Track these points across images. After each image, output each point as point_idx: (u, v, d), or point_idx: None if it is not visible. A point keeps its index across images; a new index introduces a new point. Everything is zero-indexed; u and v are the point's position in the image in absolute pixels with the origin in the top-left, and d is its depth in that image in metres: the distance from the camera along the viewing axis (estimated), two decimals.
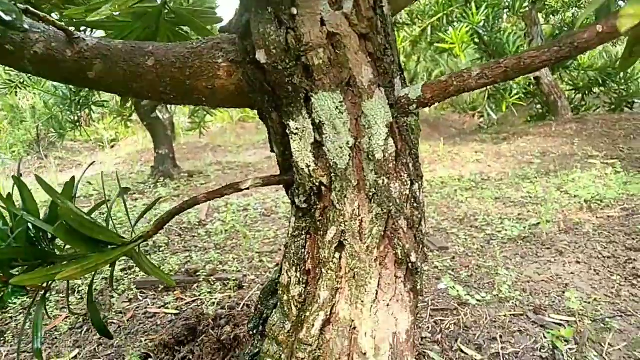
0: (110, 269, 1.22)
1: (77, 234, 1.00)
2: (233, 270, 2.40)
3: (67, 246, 1.17)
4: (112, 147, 9.13)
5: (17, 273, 1.08)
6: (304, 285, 0.99)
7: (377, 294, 0.95)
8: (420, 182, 1.00)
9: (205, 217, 3.45)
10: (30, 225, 1.11)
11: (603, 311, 1.74)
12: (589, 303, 1.81)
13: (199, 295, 2.15)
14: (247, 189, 0.99)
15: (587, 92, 6.37)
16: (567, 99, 6.28)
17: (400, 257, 0.95)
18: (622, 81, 5.93)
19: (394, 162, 0.93)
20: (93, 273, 1.09)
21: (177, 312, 2.02)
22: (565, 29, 6.06)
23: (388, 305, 0.97)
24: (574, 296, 1.77)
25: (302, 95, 0.90)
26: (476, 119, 6.65)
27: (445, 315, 1.81)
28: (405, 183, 0.95)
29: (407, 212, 0.96)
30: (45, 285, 1.09)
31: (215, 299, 2.10)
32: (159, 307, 2.09)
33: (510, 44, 5.57)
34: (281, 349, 1.00)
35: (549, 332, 1.54)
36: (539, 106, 6.56)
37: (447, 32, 4.87)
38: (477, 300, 1.89)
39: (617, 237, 2.37)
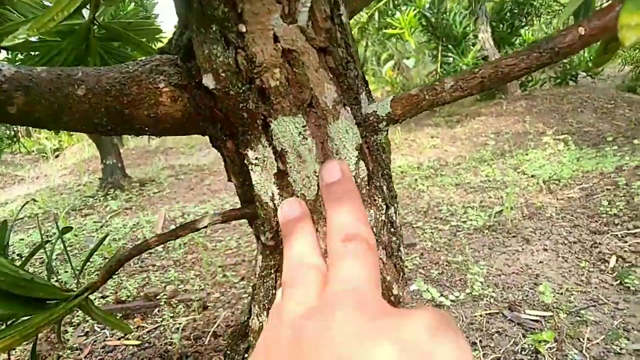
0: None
1: (11, 295, 0.86)
2: (195, 289, 2.28)
3: None
4: (57, 156, 8.69)
5: None
6: None
7: None
8: (395, 205, 0.92)
9: (160, 231, 3.29)
10: None
11: (576, 302, 1.74)
12: (562, 294, 1.80)
13: (161, 321, 2.02)
14: (205, 227, 0.88)
15: None
16: None
17: (382, 292, 0.87)
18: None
19: (367, 187, 0.84)
20: (15, 347, 0.96)
21: (139, 342, 1.89)
22: (510, 6, 6.13)
23: None
24: (547, 290, 1.75)
25: (259, 121, 0.80)
26: None
27: None
28: (380, 208, 0.86)
29: (384, 239, 0.87)
30: None
31: (179, 323, 1.97)
32: (119, 339, 1.95)
33: (457, 24, 5.61)
34: None
35: (529, 336, 1.50)
36: None
37: (394, 17, 4.83)
38: (452, 301, 1.85)
39: (580, 220, 2.39)
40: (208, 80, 0.78)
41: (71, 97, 0.89)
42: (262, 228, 0.86)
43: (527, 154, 3.91)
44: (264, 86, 0.77)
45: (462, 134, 5.03)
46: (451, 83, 0.77)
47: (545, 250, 2.15)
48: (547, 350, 1.44)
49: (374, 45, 10.14)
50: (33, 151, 9.13)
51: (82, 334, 2.03)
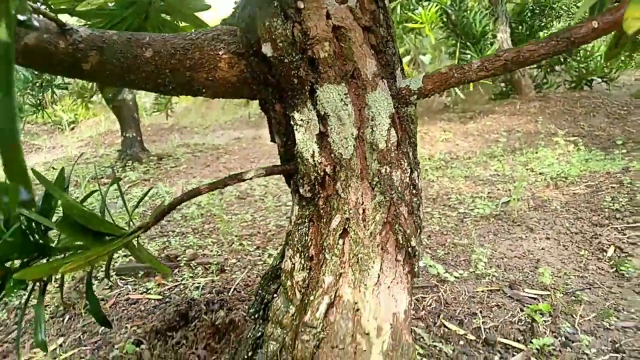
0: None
1: (79, 227, 0.99)
2: (213, 254, 2.42)
3: (61, 238, 1.17)
4: (72, 129, 8.84)
5: (9, 267, 1.07)
6: (307, 271, 1.02)
7: (379, 277, 0.99)
8: (418, 170, 1.04)
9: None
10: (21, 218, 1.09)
11: (573, 284, 1.85)
12: (560, 277, 1.91)
13: (181, 280, 2.16)
14: (250, 179, 1.01)
15: (548, 70, 6.57)
16: (530, 77, 6.46)
17: (401, 242, 0.99)
18: (582, 59, 6.13)
19: (396, 151, 0.96)
20: (82, 269, 1.09)
21: (160, 297, 2.03)
22: (532, 7, 6.19)
23: (389, 287, 1.01)
24: (546, 272, 1.87)
25: (307, 87, 0.92)
26: (443, 97, 6.76)
27: (426, 292, 1.88)
28: (406, 171, 0.99)
29: (407, 199, 1.00)
30: (45, 278, 1.08)
31: (199, 283, 2.11)
32: (141, 293, 2.09)
33: (477, 22, 5.68)
34: (285, 331, 1.03)
35: (527, 307, 1.63)
36: (502, 84, 6.72)
37: (415, 12, 4.91)
38: (455, 277, 1.97)
39: (584, 213, 2.50)
40: (267, 49, 0.90)
41: (139, 58, 1.02)
42: (301, 181, 0.99)
43: (537, 153, 4.01)
44: (314, 56, 0.90)
45: (474, 130, 5.12)
46: (478, 64, 0.89)
47: (548, 238, 2.27)
48: (542, 322, 1.56)
49: None
50: (49, 122, 9.28)
51: (107, 287, 2.17)
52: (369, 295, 0.98)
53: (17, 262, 1.08)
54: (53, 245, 1.17)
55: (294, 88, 0.93)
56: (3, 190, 1.08)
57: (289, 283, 1.03)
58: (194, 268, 2.26)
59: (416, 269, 1.07)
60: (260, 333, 1.10)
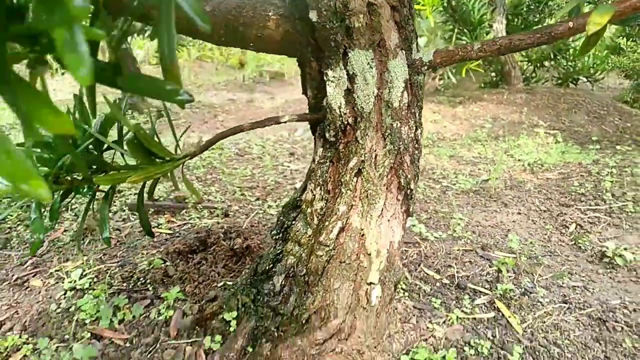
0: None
1: (142, 148, 1.21)
2: (217, 201, 2.64)
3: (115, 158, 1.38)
4: (63, 74, 8.82)
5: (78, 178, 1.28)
6: (325, 201, 1.25)
7: (382, 211, 1.23)
8: (421, 128, 1.28)
9: (181, 152, 3.61)
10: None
11: (536, 251, 2.13)
12: (526, 245, 2.19)
13: (189, 220, 2.38)
14: (285, 122, 1.23)
15: (538, 65, 6.83)
16: (520, 69, 6.71)
17: (402, 184, 1.23)
18: (571, 57, 6.41)
19: (406, 111, 1.20)
20: (145, 181, 1.31)
21: (171, 232, 2.25)
22: (529, 2, 6.40)
23: (389, 220, 1.25)
24: (514, 239, 2.14)
25: (341, 50, 1.14)
26: (436, 81, 6.98)
27: (409, 247, 2.14)
28: (412, 127, 1.23)
29: (410, 150, 1.23)
30: (106, 187, 1.30)
31: (205, 223, 2.33)
32: (153, 227, 2.30)
33: (475, 11, 5.88)
34: (302, 249, 1.27)
35: (495, 262, 1.90)
36: (493, 74, 6.97)
37: None
38: (435, 237, 2.24)
39: (553, 195, 2.78)
40: (313, 15, 1.12)
41: None
42: (327, 128, 1.22)
43: (518, 141, 4.28)
44: (350, 25, 1.12)
45: (462, 114, 5.38)
46: (478, 46, 1.12)
47: (519, 213, 2.55)
48: (507, 276, 1.83)
49: None
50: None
51: (120, 220, 2.38)
52: (373, 224, 1.23)
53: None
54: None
55: (330, 49, 1.15)
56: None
57: (309, 210, 1.27)
58: (200, 210, 2.48)
59: (411, 209, 1.31)
60: (279, 250, 1.34)
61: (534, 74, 6.86)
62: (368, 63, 1.14)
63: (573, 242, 2.23)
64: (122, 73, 0.62)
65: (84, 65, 0.41)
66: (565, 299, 1.74)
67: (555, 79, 6.61)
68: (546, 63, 6.72)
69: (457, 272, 1.88)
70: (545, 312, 1.63)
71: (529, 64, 6.81)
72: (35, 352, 1.35)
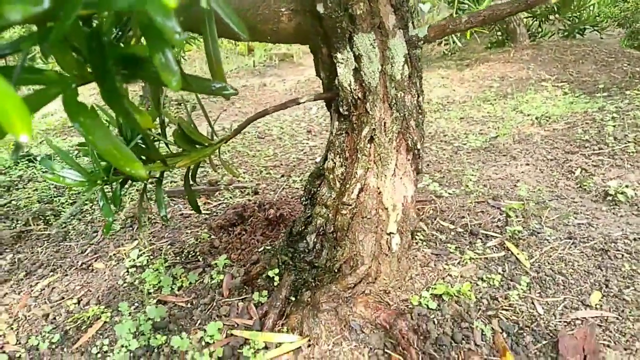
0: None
1: (185, 137, 1.42)
2: (246, 181, 2.86)
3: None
4: None
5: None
6: (344, 167, 1.46)
7: (394, 170, 1.43)
8: (422, 96, 1.46)
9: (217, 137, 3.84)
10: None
11: (544, 197, 2.31)
12: (534, 192, 2.37)
13: (223, 200, 2.61)
14: (304, 102, 1.42)
15: (543, 20, 6.84)
16: (525, 26, 6.74)
17: (410, 145, 1.43)
18: (575, 9, 6.41)
19: (408, 81, 1.38)
20: (191, 166, 1.53)
21: (208, 212, 2.48)
22: None
23: (401, 178, 1.45)
24: (523, 187, 2.32)
25: (347, 35, 1.32)
26: (442, 46, 7.06)
27: (425, 204, 2.34)
28: (414, 96, 1.41)
29: (415, 115, 1.42)
30: (158, 174, 1.52)
31: (238, 202, 2.56)
32: (191, 210, 2.54)
33: None
34: (329, 210, 1.48)
35: (504, 208, 2.08)
36: (499, 33, 7.01)
37: None
38: (449, 193, 2.43)
39: (559, 144, 2.93)
40: (320, 7, 1.31)
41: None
42: (341, 103, 1.42)
43: (526, 97, 4.40)
44: (353, 13, 1.30)
45: (470, 76, 5.48)
46: (465, 18, 1.30)
47: (527, 165, 2.71)
48: (516, 220, 2.02)
49: None
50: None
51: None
52: (387, 182, 1.43)
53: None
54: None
55: (337, 35, 1.33)
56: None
57: (331, 176, 1.47)
58: (231, 191, 2.71)
59: (420, 167, 1.51)
60: (309, 214, 1.55)
61: (539, 29, 6.87)
62: (371, 44, 1.32)
63: (578, 186, 2.40)
64: (185, 78, 0.82)
65: (176, 79, 0.61)
66: (570, 235, 1.92)
67: (562, 32, 6.62)
68: (551, 17, 6.72)
69: (470, 221, 2.07)
70: (551, 248, 1.82)
71: (534, 19, 6.83)
72: (113, 318, 1.60)
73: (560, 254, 1.78)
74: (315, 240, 1.52)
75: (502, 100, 4.49)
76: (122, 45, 0.77)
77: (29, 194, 2.84)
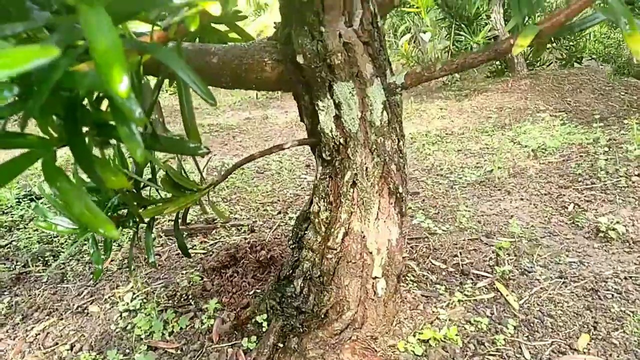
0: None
1: (172, 183, 1.45)
2: (243, 218, 2.88)
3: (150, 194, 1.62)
4: None
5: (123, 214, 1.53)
6: (329, 211, 1.47)
7: (377, 214, 1.44)
8: (403, 140, 1.49)
9: (205, 176, 3.88)
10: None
11: (537, 233, 2.31)
12: (527, 228, 2.37)
13: (220, 239, 2.62)
14: (289, 147, 1.45)
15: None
16: (522, 55, 6.83)
17: (392, 189, 1.45)
18: (572, 37, 6.50)
19: (387, 127, 1.41)
20: (178, 211, 1.55)
21: (204, 251, 2.50)
22: None
23: (384, 221, 1.47)
24: (515, 224, 2.32)
25: (327, 84, 1.36)
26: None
27: (419, 242, 2.34)
28: (394, 141, 1.44)
29: (395, 160, 1.45)
30: (147, 219, 1.54)
31: (234, 240, 2.57)
32: (189, 249, 2.56)
33: (471, 4, 6.05)
34: (315, 254, 1.49)
35: (494, 245, 2.08)
36: (497, 63, 7.09)
37: None
38: (443, 230, 2.43)
39: (553, 178, 2.94)
40: (300, 58, 1.35)
41: (208, 64, 1.47)
42: (323, 149, 1.44)
43: (523, 128, 4.42)
44: (331, 63, 1.34)
45: (468, 107, 5.53)
46: (439, 66, 1.34)
47: (522, 199, 2.72)
48: (507, 259, 2.02)
49: (392, 18, 10.47)
50: None
51: (159, 245, 2.64)
52: (371, 226, 1.44)
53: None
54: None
55: (317, 84, 1.37)
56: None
57: (316, 220, 1.49)
58: (228, 229, 2.73)
59: (404, 210, 1.52)
60: (297, 257, 1.56)
61: (538, 59, 6.95)
62: (350, 92, 1.36)
63: (571, 221, 2.39)
64: (159, 140, 0.85)
65: (140, 150, 0.64)
66: (561, 274, 1.91)
67: (559, 60, 6.70)
68: (548, 45, 6.81)
69: (461, 260, 2.07)
70: (541, 288, 1.81)
71: (531, 48, 6.90)
72: None
73: (550, 294, 1.77)
74: (302, 284, 1.53)
75: (499, 131, 4.52)
76: (95, 111, 0.80)
77: (29, 234, 2.87)
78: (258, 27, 8.62)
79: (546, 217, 2.48)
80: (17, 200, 3.50)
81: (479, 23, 5.89)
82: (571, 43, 6.54)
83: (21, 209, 3.33)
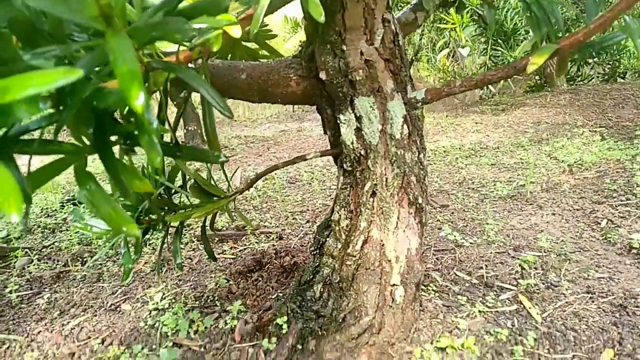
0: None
1: (200, 190, 1.53)
2: (272, 226, 2.96)
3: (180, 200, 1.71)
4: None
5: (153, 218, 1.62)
6: (349, 219, 1.53)
7: (397, 223, 1.49)
8: (424, 152, 1.53)
9: (239, 184, 4.00)
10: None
11: (567, 248, 2.28)
12: (557, 243, 2.34)
13: (249, 245, 2.71)
14: (311, 158, 1.52)
15: (582, 64, 6.79)
16: None
17: (411, 200, 1.49)
18: (615, 53, 6.35)
19: (407, 140, 1.46)
20: (206, 216, 1.64)
21: (234, 256, 2.58)
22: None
23: (404, 231, 1.51)
24: (543, 237, 2.31)
25: (348, 98, 1.42)
26: (477, 91, 7.09)
27: (445, 253, 2.35)
28: (415, 153, 1.48)
29: (415, 171, 1.49)
30: (176, 223, 1.63)
31: (262, 247, 2.65)
32: (219, 254, 2.65)
33: (508, 20, 6.00)
34: (335, 260, 1.55)
35: (519, 259, 2.08)
36: (537, 77, 6.99)
37: (448, 13, 5.30)
38: (470, 243, 2.43)
39: (587, 193, 2.89)
40: (322, 75, 1.41)
41: (237, 80, 1.56)
42: (344, 160, 1.50)
43: (561, 142, 4.35)
44: (353, 79, 1.40)
45: (504, 121, 5.48)
46: (459, 82, 1.37)
47: (554, 214, 2.69)
48: (534, 274, 2.01)
49: (430, 32, 10.47)
50: None
51: (191, 249, 2.75)
52: (390, 235, 1.49)
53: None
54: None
55: (339, 99, 1.44)
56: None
57: (337, 228, 1.55)
58: (257, 236, 2.81)
59: (424, 220, 1.56)
60: (317, 263, 1.62)
61: (579, 73, 6.82)
62: (370, 106, 1.41)
63: (603, 237, 2.35)
64: (181, 149, 0.93)
65: (159, 158, 0.72)
66: (589, 289, 1.89)
67: (602, 76, 6.54)
68: (590, 61, 6.67)
69: (486, 272, 2.07)
70: (566, 302, 1.80)
71: (572, 63, 6.78)
72: (131, 359, 1.70)
73: (575, 308, 1.76)
74: (322, 289, 1.58)
75: (536, 145, 4.46)
76: (125, 122, 0.89)
77: (70, 236, 3.04)
78: (296, 43, 8.81)
79: (577, 232, 2.45)
80: (61, 204, 3.71)
81: (516, 38, 5.84)
82: (614, 59, 6.38)
83: (64, 213, 3.52)
